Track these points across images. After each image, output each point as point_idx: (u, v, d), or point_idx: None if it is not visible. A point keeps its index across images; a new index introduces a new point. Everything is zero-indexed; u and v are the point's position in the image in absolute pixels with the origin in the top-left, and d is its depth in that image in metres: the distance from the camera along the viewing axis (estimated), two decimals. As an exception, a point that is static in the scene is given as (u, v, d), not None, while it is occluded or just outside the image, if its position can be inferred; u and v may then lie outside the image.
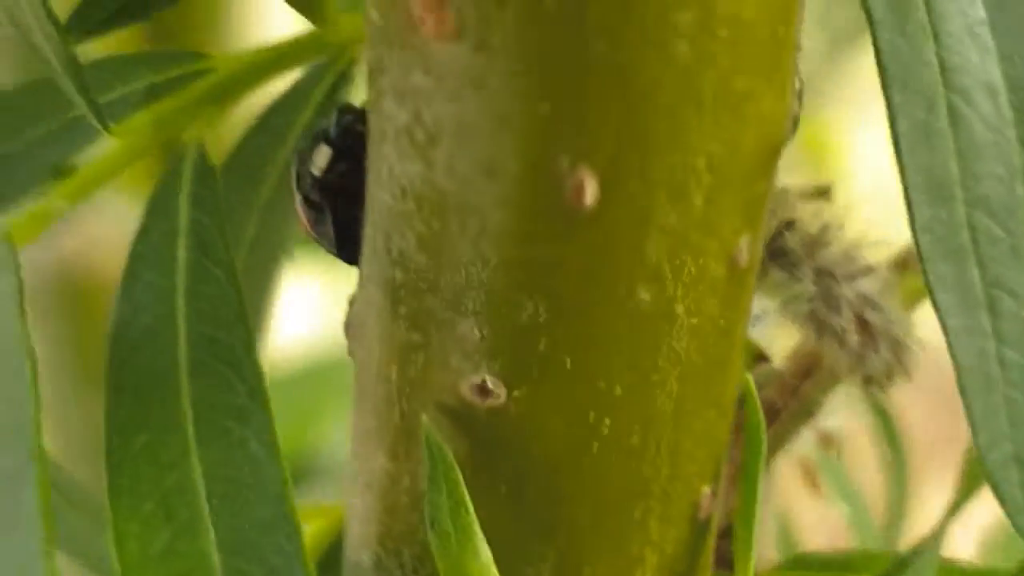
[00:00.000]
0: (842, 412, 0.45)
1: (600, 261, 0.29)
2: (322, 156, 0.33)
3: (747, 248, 0.30)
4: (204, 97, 0.37)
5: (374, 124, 0.30)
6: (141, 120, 0.36)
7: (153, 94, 0.37)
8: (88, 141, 0.38)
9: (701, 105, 0.28)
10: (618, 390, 0.30)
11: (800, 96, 0.31)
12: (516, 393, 0.31)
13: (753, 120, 0.28)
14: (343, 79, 0.39)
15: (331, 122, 0.34)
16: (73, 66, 0.33)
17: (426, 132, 0.29)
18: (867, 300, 0.40)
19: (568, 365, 0.30)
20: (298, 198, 0.34)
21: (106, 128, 0.35)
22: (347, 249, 0.34)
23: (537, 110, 0.27)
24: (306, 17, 0.35)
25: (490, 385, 0.31)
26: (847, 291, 0.40)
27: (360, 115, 0.32)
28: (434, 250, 0.30)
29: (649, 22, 0.26)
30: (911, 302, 0.45)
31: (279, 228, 0.40)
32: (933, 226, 0.30)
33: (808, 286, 0.40)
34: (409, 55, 0.28)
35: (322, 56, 0.38)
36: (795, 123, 0.30)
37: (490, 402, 0.31)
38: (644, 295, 0.29)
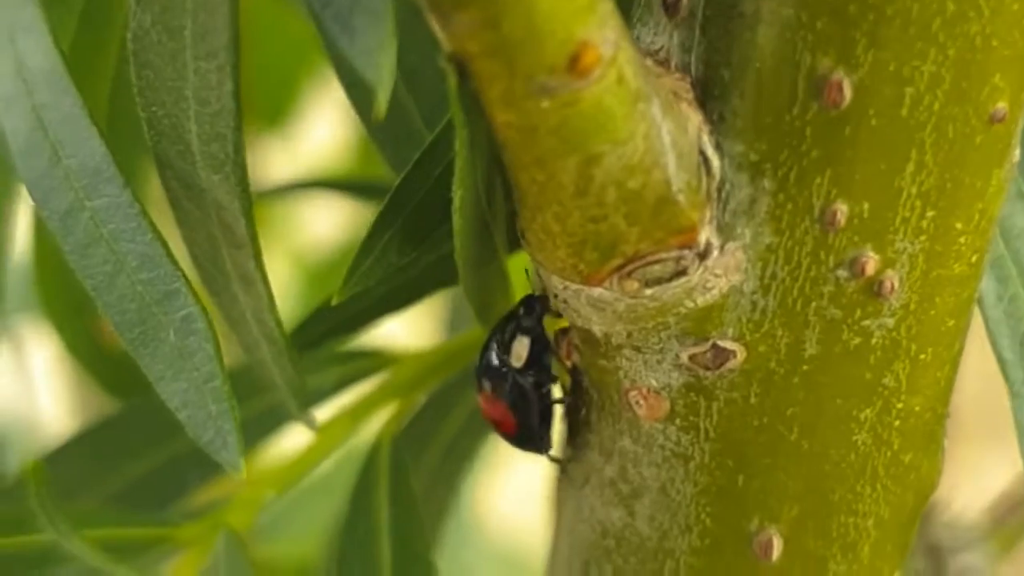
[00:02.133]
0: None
1: (779, 602, 0.33)
2: (522, 346, 0.35)
3: (899, 580, 0.35)
4: (393, 393, 0.41)
5: (575, 469, 0.35)
6: (339, 419, 0.41)
7: (342, 386, 0.42)
8: (286, 426, 0.42)
9: (875, 479, 0.32)
10: None
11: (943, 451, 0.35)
12: None
13: (914, 484, 0.33)
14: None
15: (520, 313, 0.35)
16: (295, 382, 0.37)
17: (631, 487, 0.33)
18: (972, 571, 0.45)
19: None
20: (488, 390, 0.36)
21: (312, 429, 0.39)
22: (545, 433, 0.36)
23: (735, 480, 0.32)
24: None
25: None
26: (954, 565, 0.45)
27: (544, 304, 0.34)
28: (630, 581, 0.34)
29: (836, 418, 0.31)
30: (1007, 548, 0.50)
31: (441, 497, 0.45)
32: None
33: (919, 561, 0.45)
34: (621, 425, 0.33)
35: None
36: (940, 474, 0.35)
37: None
38: (815, 626, 0.34)
